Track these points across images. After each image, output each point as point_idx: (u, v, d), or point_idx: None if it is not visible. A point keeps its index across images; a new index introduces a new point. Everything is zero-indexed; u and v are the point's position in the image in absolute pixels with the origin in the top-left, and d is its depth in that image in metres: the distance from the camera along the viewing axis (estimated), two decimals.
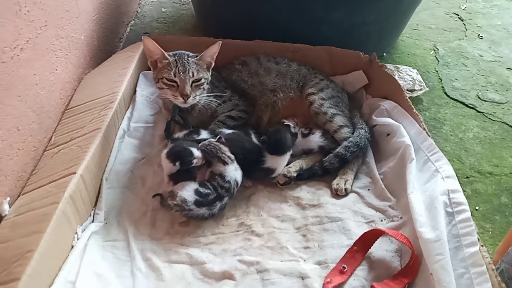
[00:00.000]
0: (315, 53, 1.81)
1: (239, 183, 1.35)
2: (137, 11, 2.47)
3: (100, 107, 1.47)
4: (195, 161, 1.31)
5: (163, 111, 1.62)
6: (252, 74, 1.62)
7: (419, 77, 2.00)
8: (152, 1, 2.61)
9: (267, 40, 1.82)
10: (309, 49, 1.81)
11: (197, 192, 1.26)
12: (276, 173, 1.41)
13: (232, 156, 1.35)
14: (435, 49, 2.38)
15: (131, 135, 1.54)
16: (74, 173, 1.20)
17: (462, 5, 2.77)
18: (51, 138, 1.42)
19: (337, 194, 1.41)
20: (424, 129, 1.47)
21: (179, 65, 1.40)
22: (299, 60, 1.76)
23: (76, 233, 1.19)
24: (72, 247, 1.16)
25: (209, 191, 1.27)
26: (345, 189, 1.41)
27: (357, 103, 1.74)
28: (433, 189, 1.25)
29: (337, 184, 1.42)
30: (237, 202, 1.37)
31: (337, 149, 1.47)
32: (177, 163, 1.30)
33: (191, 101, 1.42)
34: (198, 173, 1.37)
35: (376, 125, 1.61)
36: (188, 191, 1.26)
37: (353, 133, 1.53)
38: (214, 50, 1.45)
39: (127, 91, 1.59)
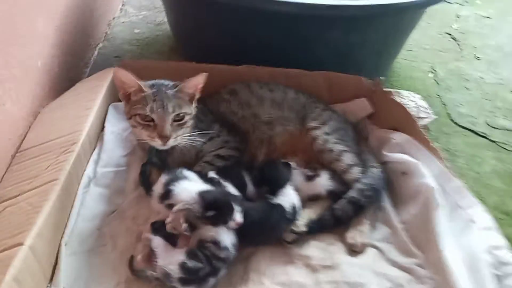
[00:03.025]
0: (312, 79, 1.59)
1: (236, 243, 1.08)
2: (106, 33, 2.20)
3: (58, 150, 1.19)
4: (231, 223, 1.05)
5: (138, 150, 1.35)
6: (243, 105, 1.39)
7: (423, 103, 1.80)
8: (122, 22, 2.35)
9: (257, 65, 1.59)
10: (305, 75, 1.59)
11: (183, 267, 0.98)
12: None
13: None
14: (433, 71, 2.22)
15: (98, 183, 1.26)
16: (21, 244, 0.91)
17: (453, 25, 2.65)
18: None
19: (353, 251, 1.17)
20: (447, 167, 1.26)
21: (157, 99, 1.15)
22: (294, 87, 1.53)
23: None
24: None
25: (200, 265, 1.00)
26: (362, 244, 1.17)
27: (361, 135, 1.52)
28: (471, 245, 1.04)
29: (352, 238, 1.18)
30: (233, 266, 1.10)
31: (350, 193, 1.24)
32: (209, 213, 1.03)
33: (171, 143, 1.17)
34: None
35: (387, 162, 1.39)
36: (172, 264, 0.98)
37: (364, 173, 1.30)
38: (196, 81, 1.21)
39: (93, 128, 1.31)
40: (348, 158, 1.31)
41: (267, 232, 1.14)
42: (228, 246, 1.05)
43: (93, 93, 1.41)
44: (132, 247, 1.13)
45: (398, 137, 1.42)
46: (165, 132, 1.14)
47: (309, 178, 1.27)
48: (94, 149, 1.33)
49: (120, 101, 1.50)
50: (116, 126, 1.41)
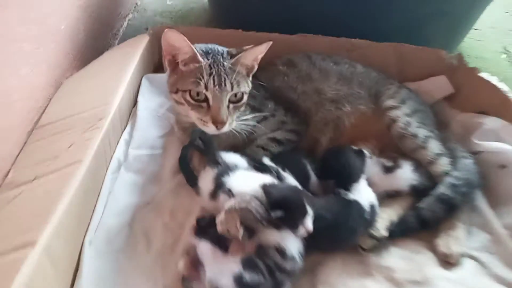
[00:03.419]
0: (379, 51, 1.34)
1: (303, 251, 0.85)
2: (136, 3, 1.98)
3: (83, 127, 0.97)
4: (301, 230, 0.81)
5: (177, 131, 1.12)
6: (304, 79, 1.14)
7: (503, 86, 1.53)
8: None
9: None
10: (371, 47, 1.34)
11: (240, 281, 0.75)
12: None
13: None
14: (507, 51, 1.92)
15: (130, 168, 1.04)
16: (34, 243, 0.70)
17: None
18: (7, 173, 0.92)
19: (446, 262, 0.92)
20: None
21: (214, 73, 0.92)
22: (356, 61, 1.27)
23: None
24: None
25: (260, 278, 0.76)
26: (458, 254, 0.92)
27: (439, 120, 1.26)
28: None
29: (445, 246, 0.93)
30: (299, 279, 0.87)
31: (438, 189, 0.99)
32: (275, 213, 0.79)
33: (226, 129, 0.95)
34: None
35: (479, 152, 1.12)
36: (224, 276, 0.75)
37: (453, 164, 1.04)
38: (258, 51, 0.98)
39: (124, 102, 1.10)
40: (435, 146, 1.06)
41: (342, 237, 0.89)
42: (295, 255, 0.82)
43: (124, 62, 1.19)
44: (171, 248, 0.91)
45: (491, 123, 1.16)
46: (221, 117, 0.92)
47: (388, 170, 1.02)
48: (126, 127, 1.11)
49: (155, 71, 1.30)
50: (151, 101, 1.19)
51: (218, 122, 0.93)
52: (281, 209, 0.78)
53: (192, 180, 1.03)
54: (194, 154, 1.07)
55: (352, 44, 1.34)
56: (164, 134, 1.14)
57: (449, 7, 1.44)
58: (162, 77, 1.10)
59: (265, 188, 0.81)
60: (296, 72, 1.15)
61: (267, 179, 0.86)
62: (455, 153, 1.08)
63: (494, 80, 1.50)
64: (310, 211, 0.80)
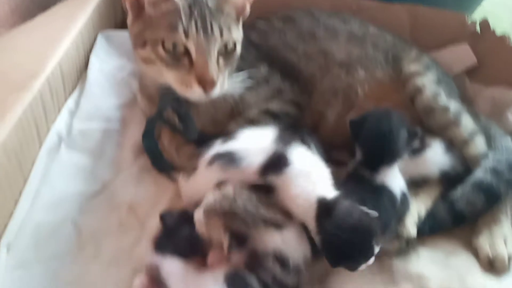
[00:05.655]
0: (390, 14, 1.12)
1: (310, 255, 0.61)
2: None
3: (8, 87, 0.70)
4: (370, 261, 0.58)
5: (140, 100, 0.87)
6: (306, 37, 0.90)
7: None
8: None
9: None
10: (381, 8, 1.12)
11: None
12: None
13: None
14: None
15: (75, 145, 0.78)
16: None
17: None
18: None
19: (491, 267, 0.72)
20: None
21: (195, 15, 0.69)
22: None
23: None
24: None
25: None
26: (509, 258, 0.71)
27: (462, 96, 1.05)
28: None
29: (491, 248, 0.72)
30: None
31: (477, 175, 0.78)
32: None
33: (217, 92, 0.72)
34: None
35: None
36: None
37: (489, 146, 0.83)
38: None
39: (69, 61, 0.83)
40: (469, 122, 0.85)
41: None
42: (299, 263, 0.58)
43: (74, 14, 0.92)
44: (127, 255, 0.67)
45: None
46: (210, 75, 0.69)
47: (415, 151, 0.79)
48: (71, 93, 0.85)
49: (116, 26, 1.04)
50: (107, 63, 0.92)
51: (206, 83, 0.69)
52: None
53: (159, 163, 0.79)
54: (164, 130, 0.83)
55: (359, 5, 1.11)
56: (124, 105, 0.88)
57: None
58: (125, 36, 0.84)
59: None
60: (296, 29, 0.91)
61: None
62: (489, 131, 0.88)
63: None
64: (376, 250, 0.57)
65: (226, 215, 0.57)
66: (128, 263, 0.66)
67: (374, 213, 0.58)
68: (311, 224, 0.59)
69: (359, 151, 0.73)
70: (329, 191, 0.61)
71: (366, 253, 0.57)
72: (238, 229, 0.57)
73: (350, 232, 0.56)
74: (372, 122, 0.73)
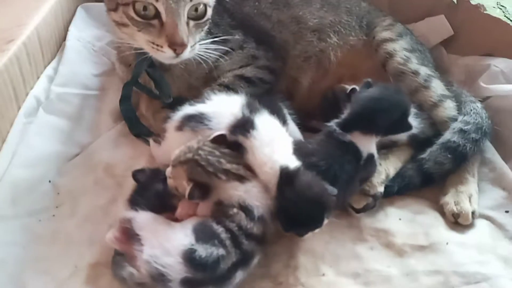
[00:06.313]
0: None
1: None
2: None
3: None
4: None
5: (118, 67, 0.89)
6: (279, 4, 0.92)
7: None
8: None
9: None
10: None
11: (191, 258, 0.54)
12: None
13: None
14: (501, 7, 1.75)
15: (53, 109, 0.81)
16: None
17: None
18: None
19: (456, 223, 0.74)
20: None
21: None
22: None
23: None
24: None
25: (220, 250, 0.55)
26: (473, 213, 0.73)
27: (437, 66, 1.07)
28: None
29: (456, 204, 0.75)
30: (273, 248, 0.66)
31: (446, 136, 0.80)
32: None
33: (187, 54, 0.73)
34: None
35: (488, 97, 0.94)
36: (170, 254, 0.54)
37: (459, 110, 0.85)
38: None
39: (47, 27, 0.85)
40: (439, 86, 0.87)
41: (337, 188, 0.67)
42: (264, 214, 0.61)
43: None
44: (104, 212, 0.69)
45: (501, 64, 0.99)
46: (180, 36, 0.71)
47: None
48: (51, 62, 0.86)
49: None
50: (86, 32, 0.94)
51: (176, 45, 0.71)
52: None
53: (136, 127, 0.81)
54: (142, 96, 0.84)
55: None
56: (102, 73, 0.91)
57: None
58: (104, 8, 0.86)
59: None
60: None
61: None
62: (460, 97, 0.90)
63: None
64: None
65: (189, 164, 0.59)
66: (104, 220, 0.68)
67: (333, 190, 0.61)
68: (272, 190, 0.61)
69: (348, 109, 0.74)
70: (292, 161, 0.63)
71: (316, 224, 0.61)
72: (200, 179, 0.59)
73: (307, 204, 0.60)
74: (385, 91, 0.74)
